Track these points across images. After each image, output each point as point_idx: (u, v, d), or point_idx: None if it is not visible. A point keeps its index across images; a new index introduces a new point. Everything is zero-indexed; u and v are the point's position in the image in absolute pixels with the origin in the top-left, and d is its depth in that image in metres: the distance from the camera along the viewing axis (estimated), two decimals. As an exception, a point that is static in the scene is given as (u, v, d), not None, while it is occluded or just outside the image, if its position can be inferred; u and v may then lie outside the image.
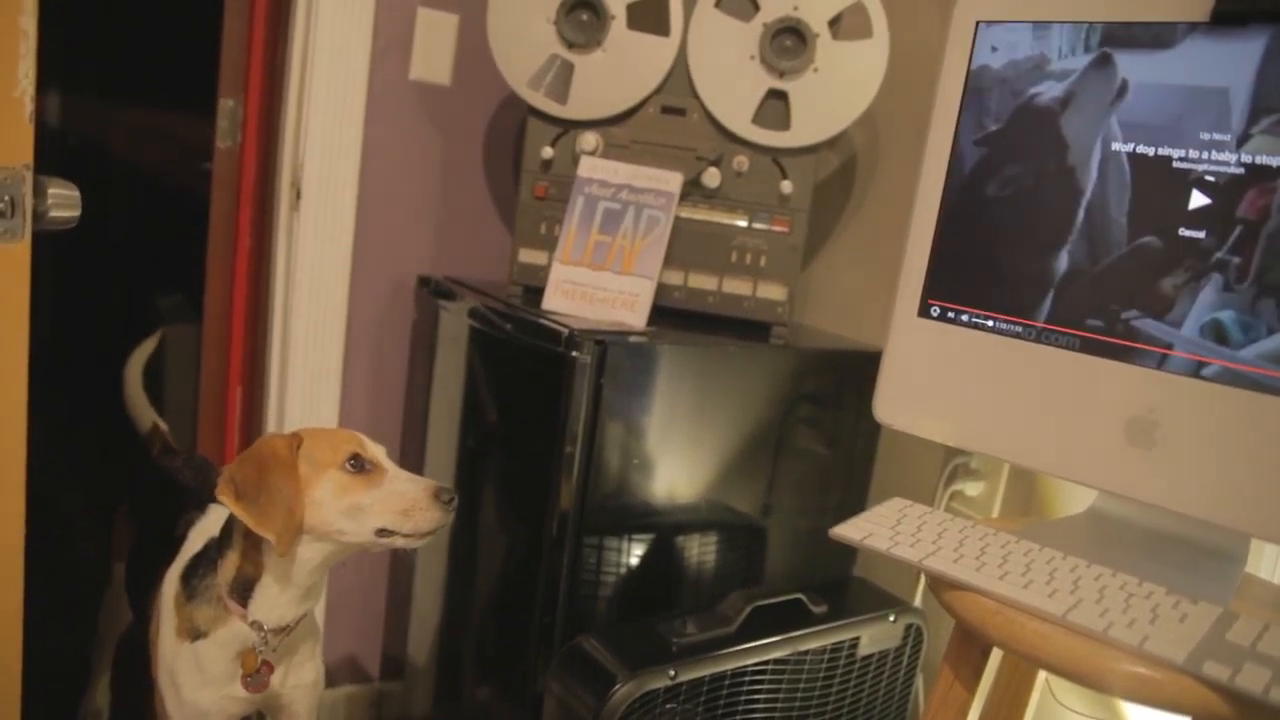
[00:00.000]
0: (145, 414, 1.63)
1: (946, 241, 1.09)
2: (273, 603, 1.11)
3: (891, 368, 1.12)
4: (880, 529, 0.98)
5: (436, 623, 1.58)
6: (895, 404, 1.11)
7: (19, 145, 0.91)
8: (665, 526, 1.35)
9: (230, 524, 1.11)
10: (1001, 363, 1.03)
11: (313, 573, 1.11)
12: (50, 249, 0.98)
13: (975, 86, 1.07)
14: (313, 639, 1.24)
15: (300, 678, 1.22)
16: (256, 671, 1.13)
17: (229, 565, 1.11)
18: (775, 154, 1.45)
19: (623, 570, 1.32)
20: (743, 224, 1.47)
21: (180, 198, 2.65)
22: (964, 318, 1.07)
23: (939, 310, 1.09)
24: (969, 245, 1.07)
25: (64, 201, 0.97)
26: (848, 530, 0.98)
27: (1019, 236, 1.03)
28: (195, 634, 1.13)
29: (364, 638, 1.85)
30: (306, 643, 1.22)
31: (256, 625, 1.11)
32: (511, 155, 1.84)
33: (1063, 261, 1.00)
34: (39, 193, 0.94)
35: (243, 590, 1.10)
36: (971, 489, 1.43)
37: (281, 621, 1.12)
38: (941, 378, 1.08)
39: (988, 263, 1.05)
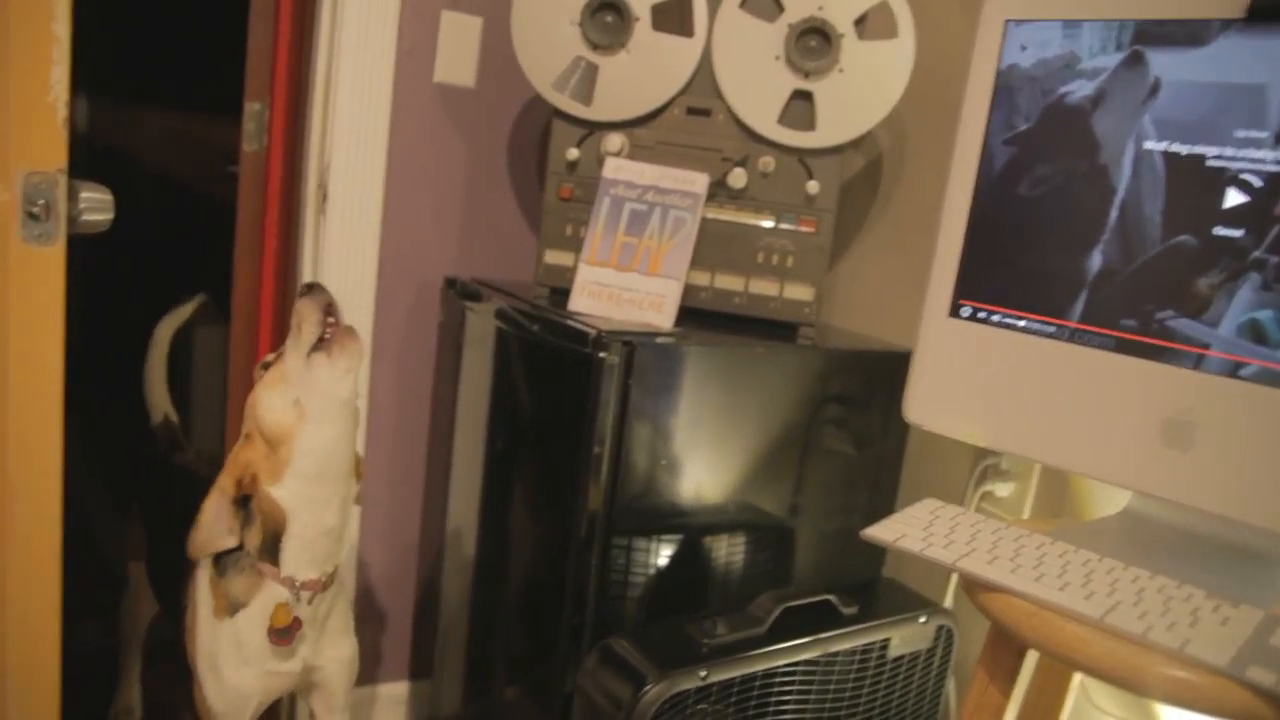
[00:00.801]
0: (161, 400, 1.64)
1: (977, 241, 1.08)
2: (303, 545, 1.14)
3: (922, 368, 1.12)
4: (913, 530, 0.97)
5: (465, 623, 1.59)
6: (926, 405, 1.11)
7: (53, 150, 0.92)
8: (693, 527, 1.35)
9: (247, 500, 1.15)
10: (1034, 363, 1.03)
11: (334, 483, 1.14)
12: (75, 251, 0.99)
13: (1004, 85, 1.07)
14: (345, 608, 1.26)
15: (337, 650, 1.24)
16: (286, 627, 1.16)
17: (254, 533, 1.15)
18: (801, 154, 1.45)
19: (651, 571, 1.32)
20: (769, 224, 1.46)
21: (206, 201, 2.67)
22: (995, 318, 1.06)
23: (970, 310, 1.08)
24: (1000, 245, 1.06)
25: (97, 205, 0.98)
26: (880, 531, 0.97)
27: (1050, 236, 1.02)
28: (234, 607, 1.16)
29: (391, 636, 1.86)
30: (339, 611, 1.24)
31: (289, 581, 1.15)
32: (536, 157, 1.84)
33: (1095, 261, 0.99)
34: (72, 197, 0.95)
35: (272, 548, 1.14)
36: (1002, 490, 1.42)
37: (313, 571, 1.16)
38: (973, 378, 1.07)
39: (1019, 263, 1.05)
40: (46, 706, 0.95)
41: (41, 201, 0.92)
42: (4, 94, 0.88)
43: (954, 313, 1.10)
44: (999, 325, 1.06)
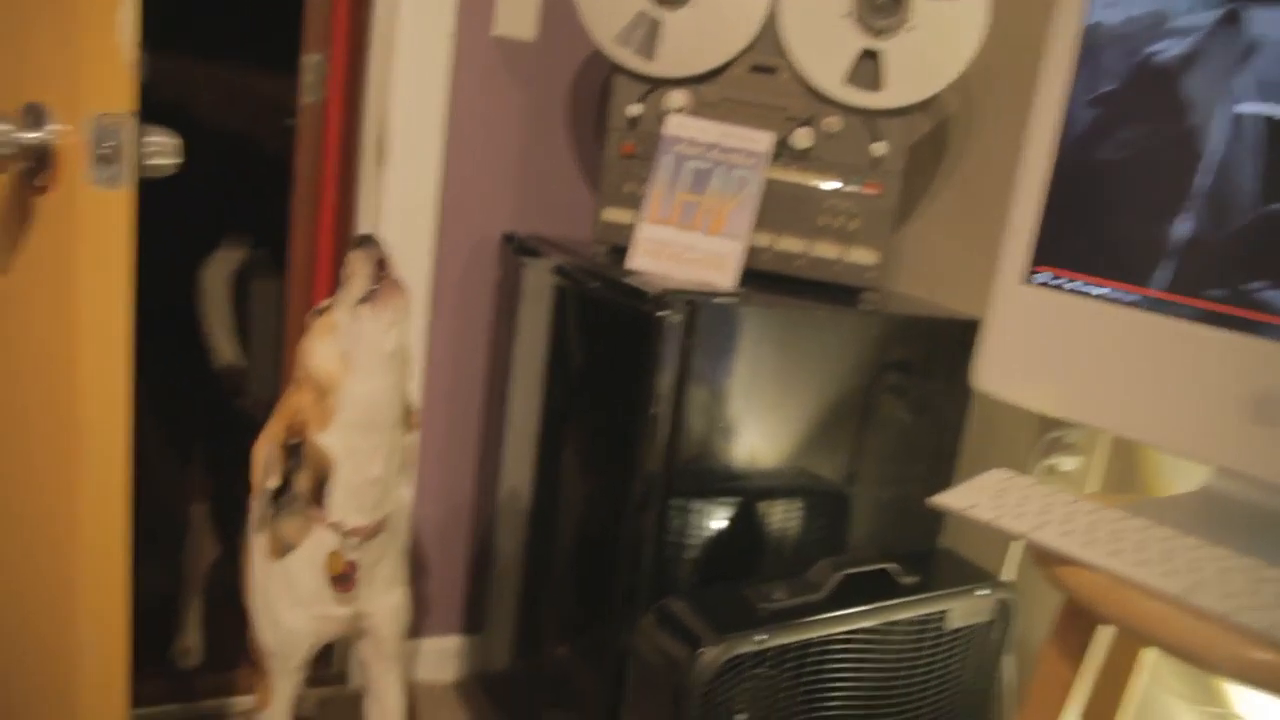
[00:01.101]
0: (225, 345, 1.65)
1: (1055, 206, 1.05)
2: (350, 492, 1.15)
3: (994, 336, 1.09)
4: (984, 500, 0.95)
5: (518, 580, 1.60)
6: (997, 373, 1.08)
7: (122, 92, 0.91)
8: (750, 491, 1.34)
9: (299, 445, 1.17)
10: (1113, 333, 0.99)
11: (380, 434, 1.15)
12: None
13: (1089, 44, 1.03)
14: (395, 557, 1.27)
15: (388, 598, 1.26)
16: (343, 573, 1.18)
17: (304, 478, 1.16)
18: (868, 115, 1.42)
19: (706, 533, 1.32)
20: (834, 186, 1.43)
21: (262, 153, 2.68)
22: (1072, 285, 1.03)
23: (1046, 277, 1.05)
24: (1079, 210, 1.03)
25: (164, 149, 0.98)
26: (951, 499, 0.95)
27: (1135, 202, 0.99)
28: (285, 548, 1.18)
29: (444, 591, 1.87)
30: (389, 560, 1.25)
31: (337, 526, 1.16)
32: (596, 112, 1.82)
33: (1182, 229, 0.95)
34: (140, 140, 0.95)
35: (320, 493, 1.15)
36: (1067, 464, 1.39)
37: (361, 518, 1.17)
38: (1048, 347, 1.04)
39: (1100, 229, 1.01)
40: (115, 643, 0.96)
41: (111, 144, 0.92)
42: (72, 34, 0.88)
43: (1028, 279, 1.07)
44: (1076, 293, 1.03)
